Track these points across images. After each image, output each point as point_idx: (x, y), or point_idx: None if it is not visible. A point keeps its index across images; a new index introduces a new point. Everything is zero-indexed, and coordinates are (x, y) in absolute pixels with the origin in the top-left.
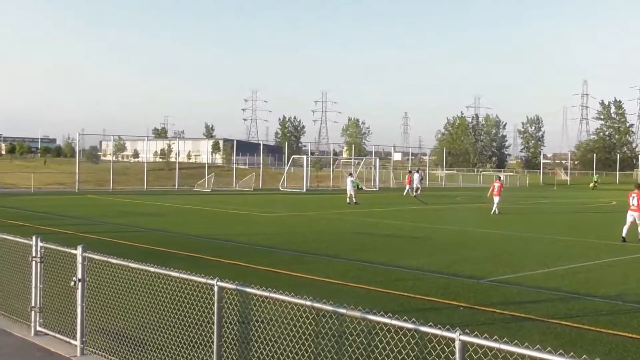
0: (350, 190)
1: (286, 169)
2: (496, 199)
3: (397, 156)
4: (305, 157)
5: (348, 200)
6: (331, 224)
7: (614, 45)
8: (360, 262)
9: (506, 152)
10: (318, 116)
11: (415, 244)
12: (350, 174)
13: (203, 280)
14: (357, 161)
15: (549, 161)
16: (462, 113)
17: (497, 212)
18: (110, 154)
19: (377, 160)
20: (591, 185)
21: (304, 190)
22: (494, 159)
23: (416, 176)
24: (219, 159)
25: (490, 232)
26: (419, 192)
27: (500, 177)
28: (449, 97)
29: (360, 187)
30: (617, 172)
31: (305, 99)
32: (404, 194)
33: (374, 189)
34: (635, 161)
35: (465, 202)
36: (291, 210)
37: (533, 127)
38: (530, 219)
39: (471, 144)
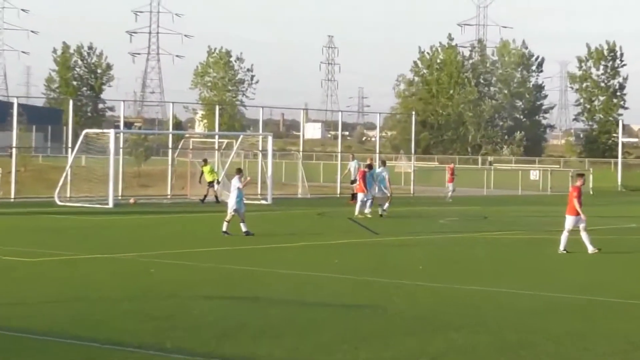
0: (233, 204)
1: (71, 158)
2: (572, 222)
3: (312, 130)
4: (112, 132)
5: (225, 229)
6: (173, 280)
7: None
8: None
9: (544, 121)
10: (141, 43)
11: (352, 321)
12: (239, 171)
13: None
14: (224, 143)
15: (636, 140)
16: (450, 38)
17: (592, 249)
18: None
19: (271, 139)
20: None
21: (110, 204)
22: (518, 134)
23: (384, 173)
24: None
25: (510, 293)
26: (386, 206)
27: (581, 174)
28: (423, 5)
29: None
30: None
31: (112, 10)
32: (356, 212)
33: (264, 202)
34: None
35: (461, 231)
36: (83, 248)
37: (602, 67)
38: (596, 264)
39: (469, 103)
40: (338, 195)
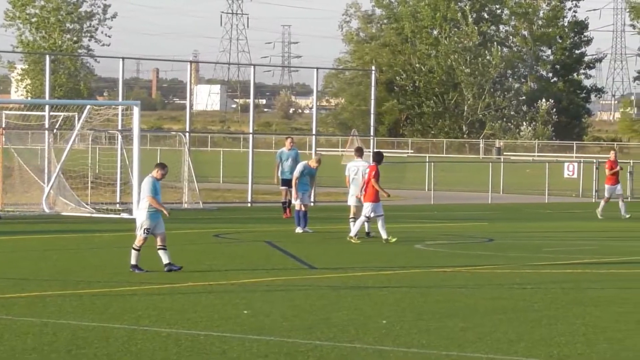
0: (144, 219)
1: None
2: None
3: (205, 97)
4: None
5: None
6: None
7: None
8: None
9: (587, 82)
10: None
11: None
12: (161, 168)
13: None
14: (59, 118)
15: None
16: None
17: None
18: None
19: (138, 112)
20: None
21: None
22: (545, 103)
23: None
24: None
25: None
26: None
27: None
28: None
29: None
30: None
31: None
32: (384, 235)
33: (126, 215)
34: None
35: (451, 262)
36: None
37: None
38: None
39: (465, 52)
40: (249, 204)
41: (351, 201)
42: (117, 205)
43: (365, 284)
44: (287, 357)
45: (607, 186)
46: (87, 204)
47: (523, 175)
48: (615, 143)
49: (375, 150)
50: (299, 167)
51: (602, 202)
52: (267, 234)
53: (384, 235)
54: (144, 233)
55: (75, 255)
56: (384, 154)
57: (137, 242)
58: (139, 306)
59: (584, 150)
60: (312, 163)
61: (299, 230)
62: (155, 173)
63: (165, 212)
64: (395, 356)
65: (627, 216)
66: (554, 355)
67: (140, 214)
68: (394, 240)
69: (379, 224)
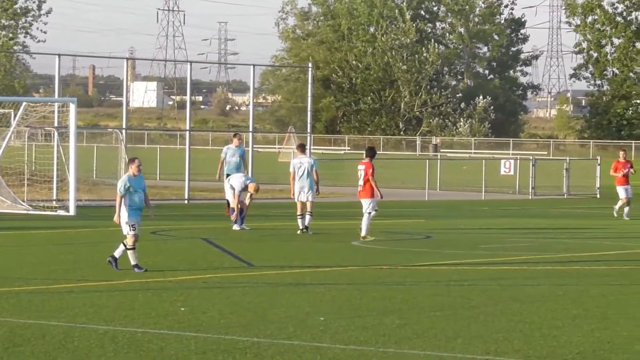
0: (127, 216)
1: None
2: None
3: (142, 94)
4: None
5: None
6: None
7: None
8: None
9: (524, 79)
10: None
11: None
12: (132, 162)
13: None
14: None
15: None
16: None
17: None
18: None
19: (74, 109)
20: None
21: None
22: (482, 100)
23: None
24: None
25: None
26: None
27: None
28: None
29: None
30: None
31: None
32: (364, 231)
33: (62, 212)
34: None
35: (388, 260)
36: None
37: None
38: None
39: (402, 49)
40: (186, 201)
41: (297, 198)
42: (54, 202)
43: (303, 280)
44: (224, 353)
45: (617, 187)
46: (24, 201)
47: (460, 172)
48: (552, 140)
49: (368, 146)
50: (241, 184)
51: (620, 203)
52: (204, 231)
53: (363, 232)
54: (131, 230)
55: (12, 253)
56: (321, 153)
57: (129, 243)
58: (76, 303)
59: (520, 147)
60: (251, 188)
61: (236, 227)
62: (130, 170)
63: (116, 215)
64: (332, 353)
65: (626, 218)
66: (491, 352)
67: (122, 212)
68: (371, 239)
69: (367, 218)
